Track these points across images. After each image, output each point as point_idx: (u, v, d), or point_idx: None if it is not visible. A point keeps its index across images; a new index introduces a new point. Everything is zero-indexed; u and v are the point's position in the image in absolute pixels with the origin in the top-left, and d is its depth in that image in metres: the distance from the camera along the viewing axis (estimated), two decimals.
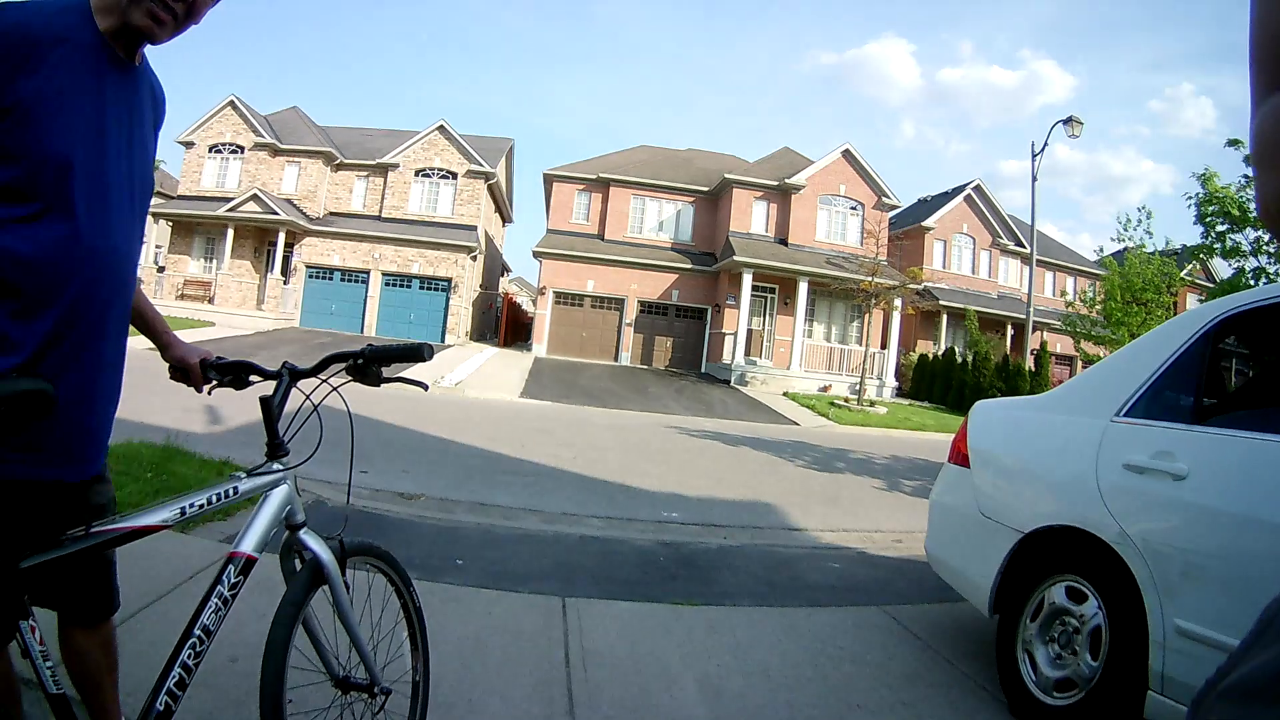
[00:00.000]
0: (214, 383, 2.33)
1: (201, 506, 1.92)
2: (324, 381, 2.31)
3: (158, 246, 41.45)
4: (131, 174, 1.91)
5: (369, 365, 2.31)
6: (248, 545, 2.02)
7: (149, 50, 1.95)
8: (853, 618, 5.01)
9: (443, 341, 35.63)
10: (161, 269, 37.40)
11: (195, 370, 2.29)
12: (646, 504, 8.68)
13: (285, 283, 36.35)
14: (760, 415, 22.79)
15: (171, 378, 2.34)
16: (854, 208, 35.46)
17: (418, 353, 2.31)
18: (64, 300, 1.74)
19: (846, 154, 35.43)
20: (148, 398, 9.78)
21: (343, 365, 2.31)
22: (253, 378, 2.33)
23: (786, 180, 34.83)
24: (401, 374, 2.47)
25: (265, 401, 2.18)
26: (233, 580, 1.96)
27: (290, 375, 2.24)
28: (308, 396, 2.28)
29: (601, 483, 9.78)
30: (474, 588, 4.91)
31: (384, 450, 9.88)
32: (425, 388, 2.60)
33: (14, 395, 1.61)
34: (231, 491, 2.02)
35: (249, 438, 9.21)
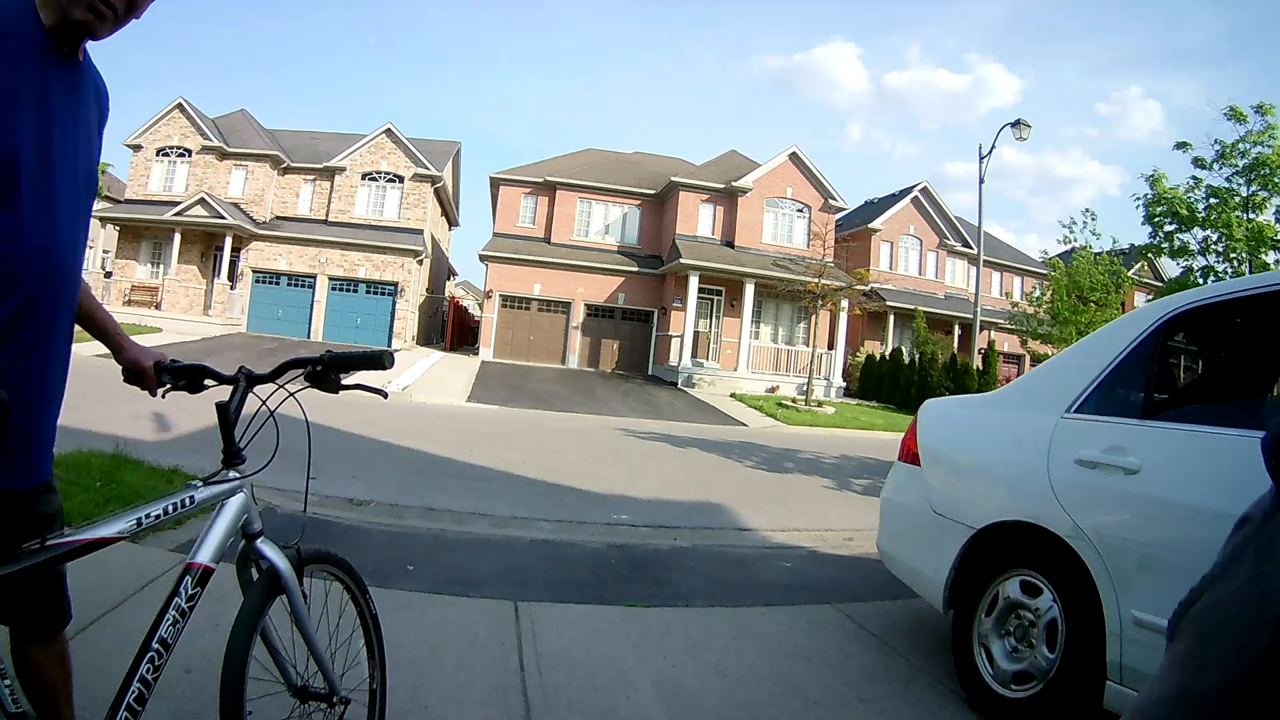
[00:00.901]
0: (168, 386, 2.27)
1: (158, 517, 1.87)
2: (281, 387, 2.26)
3: (105, 251, 40.81)
4: (76, 171, 1.86)
5: (328, 372, 2.27)
6: (204, 556, 1.97)
7: (92, 47, 1.90)
8: (807, 616, 5.02)
9: (389, 346, 35.28)
10: (109, 274, 36.79)
11: (149, 373, 2.23)
12: (597, 507, 8.65)
13: (232, 287, 35.85)
14: (708, 417, 22.84)
15: (125, 380, 2.28)
16: (801, 210, 35.67)
17: (379, 360, 2.25)
18: (11, 301, 1.68)
19: (793, 157, 35.68)
20: (95, 404, 9.62)
21: (301, 371, 2.27)
22: (208, 382, 2.27)
23: (733, 183, 35.01)
24: (360, 381, 2.41)
25: (221, 408, 2.12)
26: (190, 592, 1.91)
27: (247, 380, 2.21)
28: (264, 402, 2.25)
29: (551, 486, 9.72)
30: (426, 593, 4.86)
31: (332, 456, 9.75)
32: (385, 395, 2.57)
33: None
34: (188, 501, 1.98)
35: (198, 445, 9.07)
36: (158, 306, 34.30)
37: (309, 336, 35.94)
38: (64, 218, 1.81)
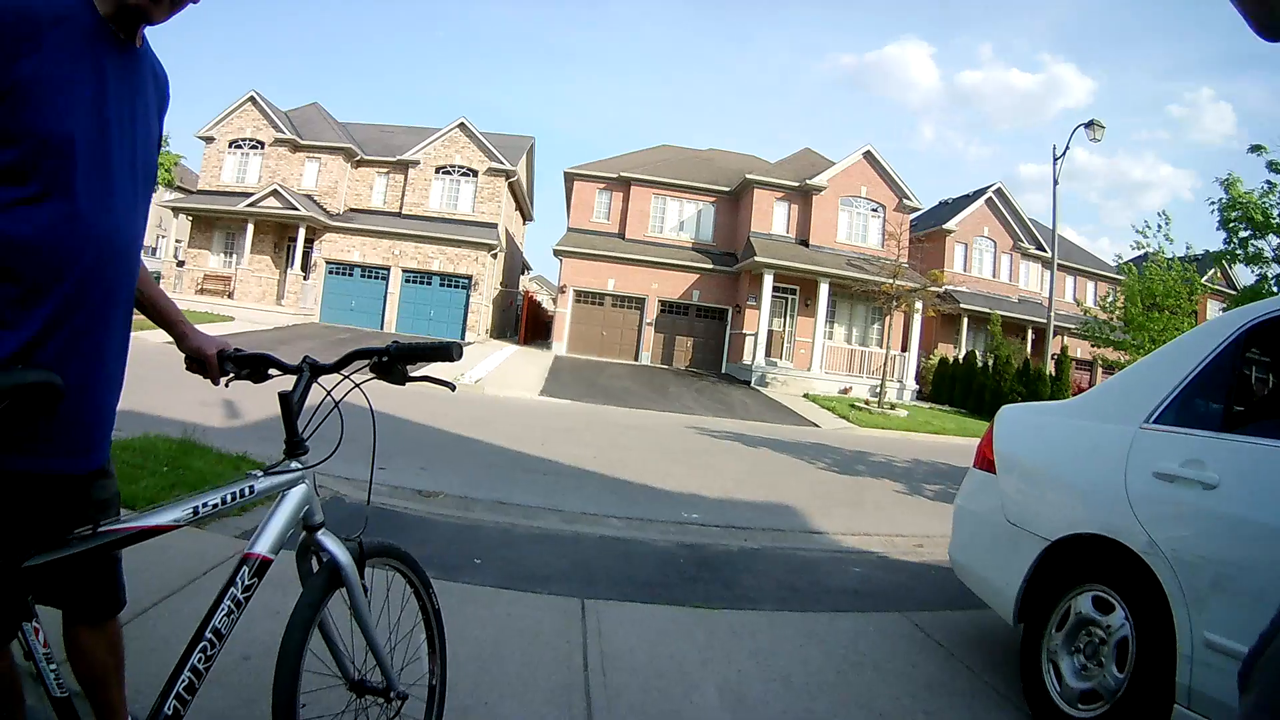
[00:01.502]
0: (231, 375, 2.27)
1: (215, 506, 1.88)
2: (346, 378, 2.26)
3: (178, 241, 41.72)
4: (134, 157, 1.89)
5: (394, 364, 2.26)
6: (262, 546, 1.98)
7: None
8: (875, 624, 4.96)
9: (462, 339, 35.54)
10: (181, 263, 37.60)
11: (212, 361, 2.24)
12: (667, 505, 8.64)
13: (305, 278, 36.51)
14: (780, 416, 22.74)
15: (188, 369, 2.30)
16: (875, 209, 35.31)
17: (446, 352, 2.23)
18: (65, 285, 1.70)
19: (868, 155, 35.29)
20: (163, 391, 9.83)
21: (367, 362, 2.27)
22: (272, 371, 2.28)
23: (808, 181, 34.76)
24: (427, 373, 2.40)
25: (284, 397, 2.12)
26: (246, 582, 1.92)
27: (311, 370, 2.21)
28: (329, 393, 2.25)
29: (622, 482, 9.75)
30: (492, 588, 4.89)
31: (402, 447, 9.85)
32: (452, 388, 2.51)
33: (20, 387, 1.58)
34: (248, 490, 1.98)
35: (267, 433, 9.21)
36: (230, 295, 35.10)
37: (382, 328, 36.43)
38: (121, 204, 1.83)
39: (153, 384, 9.78)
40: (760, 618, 4.91)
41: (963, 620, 5.22)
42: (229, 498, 1.92)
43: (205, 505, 1.85)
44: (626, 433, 15.43)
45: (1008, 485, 4.38)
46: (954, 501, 4.91)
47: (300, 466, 2.16)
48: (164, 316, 2.24)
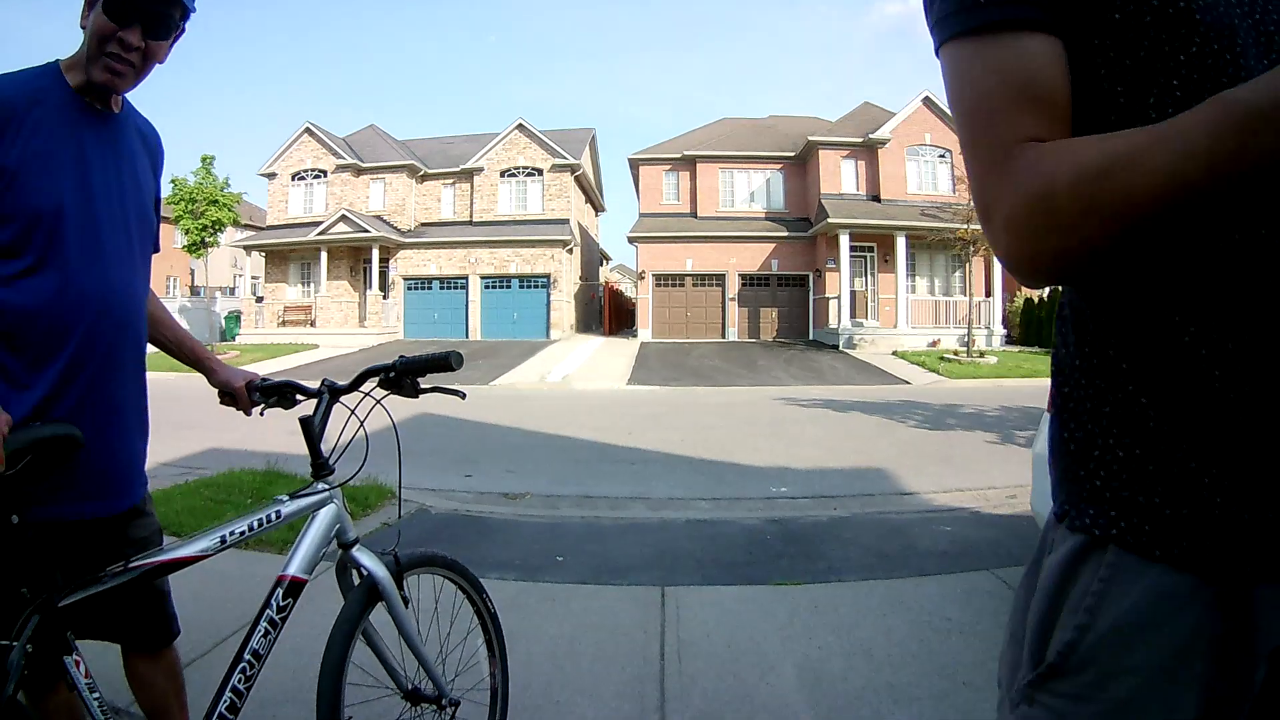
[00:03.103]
0: (261, 404, 2.37)
1: (242, 533, 1.96)
2: (366, 395, 2.32)
3: (254, 278, 42.71)
4: (125, 214, 1.98)
5: (402, 378, 2.31)
6: (294, 568, 2.03)
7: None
8: (962, 585, 4.82)
9: (547, 337, 36.04)
10: (260, 299, 38.67)
11: (241, 393, 2.35)
12: (755, 480, 8.60)
13: (385, 297, 37.13)
14: (870, 377, 22.50)
15: (222, 402, 2.40)
16: (942, 155, 34.45)
17: (445, 362, 2.24)
18: (70, 345, 1.82)
19: (927, 101, 34.36)
20: (249, 425, 10.03)
21: (377, 379, 2.32)
22: (298, 396, 2.35)
23: (871, 135, 34.09)
24: (435, 384, 2.43)
25: (305, 422, 2.19)
26: (281, 604, 1.99)
27: (330, 393, 2.28)
28: (353, 412, 2.31)
29: (711, 463, 9.72)
30: (572, 584, 4.90)
31: (487, 451, 9.95)
32: (463, 396, 2.54)
33: (41, 440, 1.66)
34: (275, 516, 2.05)
35: (350, 454, 9.40)
36: (312, 324, 35.85)
37: (467, 336, 36.94)
38: (113, 260, 1.93)
39: (235, 418, 10.02)
40: (844, 590, 4.82)
41: None
42: (256, 524, 2.00)
43: (232, 534, 1.94)
44: (715, 412, 15.38)
45: None
46: (1032, 449, 4.76)
47: (326, 487, 2.21)
48: (191, 355, 2.39)
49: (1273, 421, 0.85)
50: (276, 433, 9.81)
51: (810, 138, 35.49)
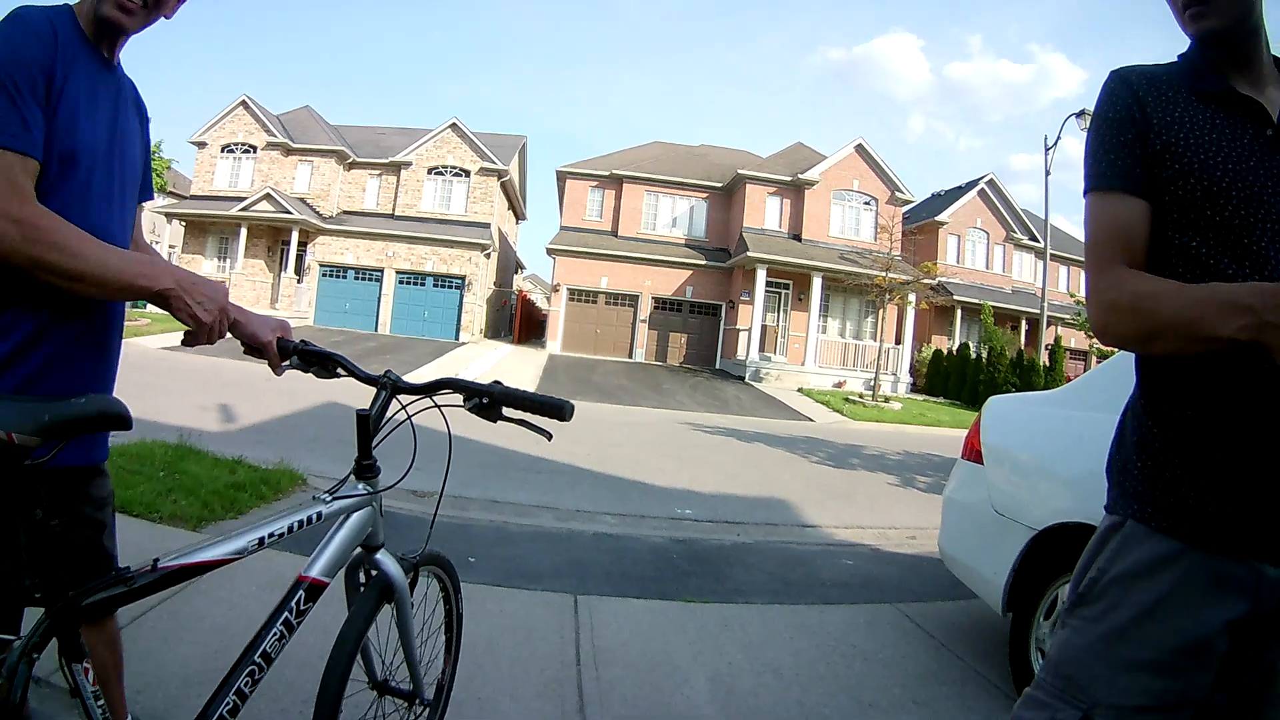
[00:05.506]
0: (297, 367, 2.20)
1: (281, 535, 1.81)
2: (436, 405, 2.19)
3: (171, 247, 41.58)
4: (111, 161, 1.91)
5: (496, 405, 2.12)
6: (318, 570, 1.92)
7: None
8: (866, 615, 4.99)
9: (457, 339, 35.78)
10: None
11: (271, 348, 2.10)
12: (661, 501, 8.68)
13: (299, 281, 36.48)
14: (775, 411, 22.72)
15: (245, 351, 2.15)
16: (867, 203, 35.27)
17: (559, 411, 2.10)
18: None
19: (859, 149, 35.25)
20: (160, 396, 9.84)
21: (460, 397, 2.16)
22: (339, 371, 2.19)
23: (800, 175, 34.71)
24: (525, 418, 2.19)
25: (363, 417, 2.05)
26: (300, 607, 1.87)
27: (392, 389, 2.12)
28: (409, 417, 2.17)
29: (616, 479, 9.77)
30: (486, 585, 4.89)
31: (396, 449, 9.86)
32: (549, 436, 2.23)
33: (96, 417, 1.60)
34: (315, 518, 1.92)
35: (262, 435, 9.30)
36: None
37: (376, 329, 36.45)
38: (100, 208, 1.87)
39: (150, 389, 9.78)
40: (752, 611, 4.94)
41: (953, 610, 5.25)
42: (295, 526, 1.85)
43: (271, 535, 1.79)
44: (620, 430, 15.39)
45: (995, 476, 4.40)
46: (943, 493, 4.94)
47: (369, 490, 2.09)
48: None
49: (1221, 454, 1.48)
50: (186, 408, 9.67)
51: (740, 170, 35.93)
